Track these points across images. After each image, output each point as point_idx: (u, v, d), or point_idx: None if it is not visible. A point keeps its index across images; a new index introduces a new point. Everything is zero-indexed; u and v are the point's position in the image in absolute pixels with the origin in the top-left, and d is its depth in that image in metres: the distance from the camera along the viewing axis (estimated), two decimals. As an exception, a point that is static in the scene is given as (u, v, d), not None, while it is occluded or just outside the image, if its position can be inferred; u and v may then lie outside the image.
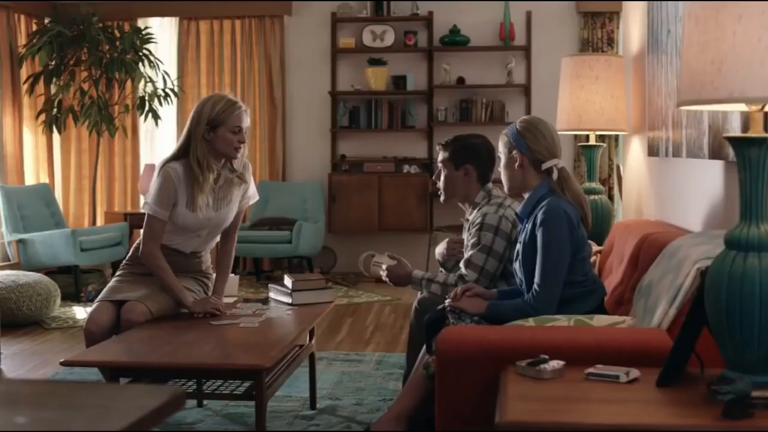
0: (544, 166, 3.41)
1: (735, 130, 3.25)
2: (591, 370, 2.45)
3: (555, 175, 3.40)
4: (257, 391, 3.45)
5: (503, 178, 3.54)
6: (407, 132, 9.43)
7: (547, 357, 2.53)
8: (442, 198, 4.21)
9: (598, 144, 5.31)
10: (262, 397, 3.45)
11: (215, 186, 4.15)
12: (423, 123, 9.43)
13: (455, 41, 9.22)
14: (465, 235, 4.11)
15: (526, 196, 3.45)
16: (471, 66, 9.33)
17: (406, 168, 9.28)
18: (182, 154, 4.13)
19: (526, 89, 9.26)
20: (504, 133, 3.54)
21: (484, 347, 2.74)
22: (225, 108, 4.11)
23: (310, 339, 4.46)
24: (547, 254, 3.23)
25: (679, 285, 2.90)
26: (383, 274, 4.17)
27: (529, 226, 3.35)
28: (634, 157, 5.28)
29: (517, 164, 3.44)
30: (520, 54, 9.29)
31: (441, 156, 4.16)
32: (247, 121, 4.16)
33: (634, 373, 2.42)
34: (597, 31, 9.12)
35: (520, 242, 3.41)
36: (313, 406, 4.52)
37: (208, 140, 4.09)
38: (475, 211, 4.06)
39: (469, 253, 3.94)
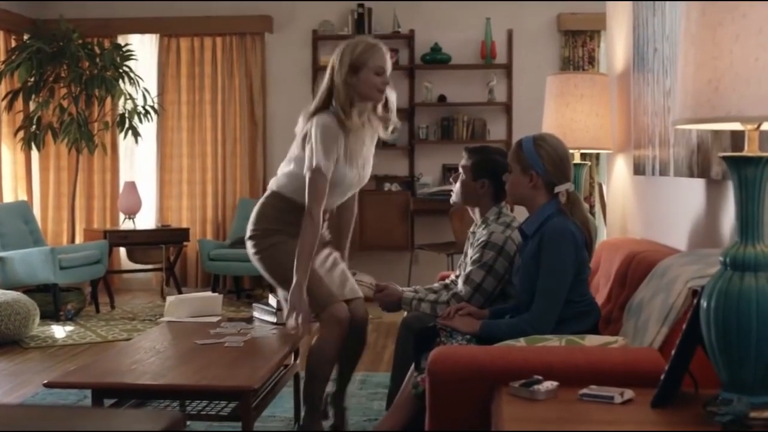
0: (557, 189, 3.39)
1: (725, 148, 3.24)
2: (585, 391, 2.43)
3: (564, 198, 3.37)
4: (243, 413, 3.41)
5: (509, 190, 3.50)
6: (388, 150, 9.40)
7: (540, 378, 2.51)
8: (452, 199, 4.18)
9: (583, 162, 5.31)
10: (249, 419, 3.41)
11: (364, 134, 3.98)
12: (404, 141, 9.41)
13: (436, 59, 9.23)
14: (468, 247, 4.10)
15: (529, 210, 3.43)
16: (452, 84, 9.34)
17: (387, 186, 9.26)
18: (324, 106, 3.93)
19: (507, 107, 9.27)
20: (518, 147, 3.47)
21: (476, 367, 2.71)
22: (366, 49, 3.92)
23: (295, 359, 4.42)
24: (550, 274, 3.21)
25: (671, 304, 2.89)
26: (370, 294, 4.18)
27: (533, 243, 3.32)
28: (618, 176, 5.27)
29: (530, 183, 3.41)
30: (502, 72, 9.30)
31: (464, 161, 4.12)
32: (390, 62, 3.98)
33: (629, 393, 2.40)
34: (578, 49, 9.15)
35: (521, 257, 3.39)
36: (298, 426, 4.48)
37: (351, 84, 3.90)
38: (483, 227, 4.04)
39: (469, 269, 3.92)
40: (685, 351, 2.34)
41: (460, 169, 4.13)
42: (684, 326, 2.34)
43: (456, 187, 4.13)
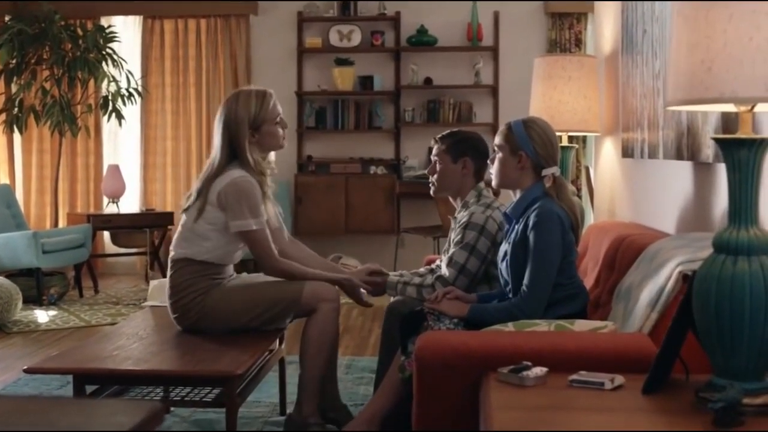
0: (544, 172, 3.35)
1: (715, 130, 3.20)
2: (575, 377, 2.40)
3: (549, 182, 3.34)
4: (228, 399, 3.36)
5: (496, 171, 3.45)
6: (374, 132, 9.36)
7: (530, 363, 2.47)
8: (432, 190, 4.14)
9: (571, 145, 5.27)
10: (233, 405, 3.37)
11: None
12: (390, 123, 9.37)
13: (422, 41, 9.17)
14: (451, 234, 4.06)
15: (515, 193, 3.39)
16: (438, 66, 9.29)
17: (372, 169, 9.21)
18: (226, 163, 3.84)
19: (493, 90, 9.22)
20: (508, 129, 3.44)
21: (464, 353, 2.67)
22: (260, 103, 3.85)
23: (280, 343, 4.38)
24: (539, 257, 3.17)
25: (661, 288, 2.86)
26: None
27: (519, 227, 3.29)
28: (606, 159, 5.24)
29: (519, 164, 3.37)
30: (488, 54, 9.25)
31: (437, 149, 4.08)
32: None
33: (619, 379, 2.36)
34: (565, 32, 9.11)
35: (507, 242, 3.35)
36: (283, 411, 4.44)
37: (254, 142, 3.85)
38: (464, 210, 4.01)
39: (452, 250, 3.89)
40: (676, 336, 2.31)
41: (435, 159, 4.09)
42: (675, 311, 2.31)
43: (435, 178, 4.09)
